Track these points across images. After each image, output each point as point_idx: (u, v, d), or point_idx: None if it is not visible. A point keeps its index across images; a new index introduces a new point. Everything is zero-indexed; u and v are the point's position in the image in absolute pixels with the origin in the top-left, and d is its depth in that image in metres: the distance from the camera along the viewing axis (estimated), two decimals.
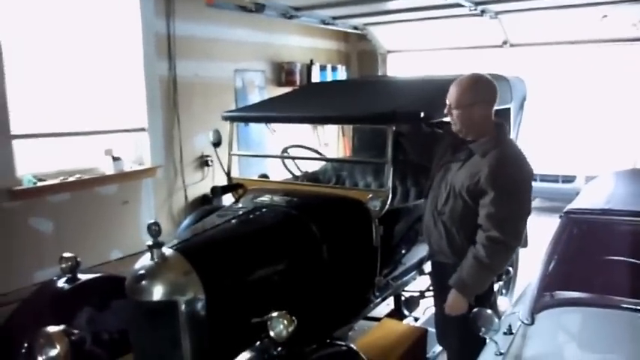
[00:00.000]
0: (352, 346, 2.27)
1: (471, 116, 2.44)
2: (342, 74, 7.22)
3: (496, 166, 2.38)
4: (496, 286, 3.83)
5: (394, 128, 2.75)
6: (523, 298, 2.56)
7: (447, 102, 2.48)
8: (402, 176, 3.90)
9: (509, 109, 3.90)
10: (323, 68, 6.87)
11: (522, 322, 2.25)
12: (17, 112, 3.67)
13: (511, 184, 2.38)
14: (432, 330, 3.00)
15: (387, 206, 2.79)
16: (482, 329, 2.01)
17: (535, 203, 8.04)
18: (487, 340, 2.11)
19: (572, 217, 2.80)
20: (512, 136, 4.06)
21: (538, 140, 6.64)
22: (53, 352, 2.37)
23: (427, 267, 3.55)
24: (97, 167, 4.26)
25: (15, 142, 3.64)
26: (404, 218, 3.26)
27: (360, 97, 3.50)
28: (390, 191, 2.84)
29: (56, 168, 3.98)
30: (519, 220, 2.42)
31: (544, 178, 7.20)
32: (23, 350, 2.58)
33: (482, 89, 2.46)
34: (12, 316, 2.71)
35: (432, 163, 2.75)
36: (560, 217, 2.84)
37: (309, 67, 6.68)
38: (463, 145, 2.55)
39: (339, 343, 2.24)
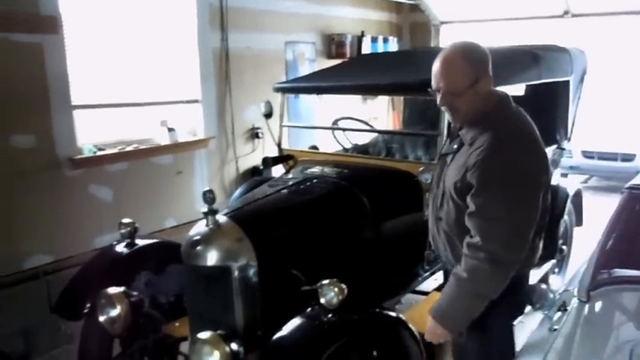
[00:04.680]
0: (401, 316, 2.28)
1: (476, 96, 1.90)
2: (393, 46, 7.09)
3: (485, 150, 1.82)
4: (549, 265, 3.74)
5: None
6: (579, 276, 2.49)
7: (441, 89, 1.92)
8: None
9: (568, 82, 3.75)
10: (374, 40, 6.76)
11: (578, 299, 2.19)
12: (77, 84, 3.79)
13: (503, 174, 1.79)
14: None
15: None
16: (537, 305, 1.98)
17: (592, 182, 7.75)
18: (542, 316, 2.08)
19: (635, 192, 2.68)
20: (570, 111, 3.91)
21: (597, 116, 6.37)
22: (114, 312, 2.49)
23: None
24: (153, 138, 4.38)
25: (75, 113, 3.77)
26: None
27: (411, 68, 3.44)
28: None
29: (115, 138, 4.12)
30: (514, 225, 1.78)
31: (602, 156, 6.95)
32: (86, 310, 2.73)
33: (480, 59, 1.91)
34: (75, 279, 2.86)
35: None
36: (622, 192, 2.73)
37: (359, 39, 6.59)
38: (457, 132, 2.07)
39: (389, 313, 2.26)
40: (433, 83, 1.94)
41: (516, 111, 1.98)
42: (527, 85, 4.34)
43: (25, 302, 3.36)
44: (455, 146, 2.03)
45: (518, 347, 2.10)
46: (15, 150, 3.38)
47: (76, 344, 2.81)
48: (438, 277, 3.85)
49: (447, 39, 7.50)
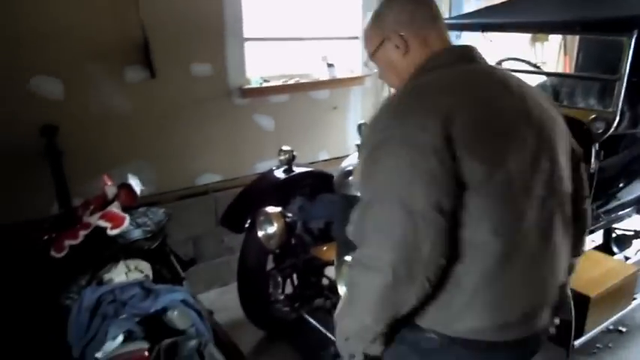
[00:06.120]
0: None
1: (390, 62, 1.47)
2: None
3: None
4: None
5: (635, 38, 2.39)
6: None
7: None
8: (633, 100, 3.43)
9: None
10: None
11: None
12: (248, 17, 4.01)
13: (371, 149, 1.26)
14: None
15: (611, 130, 2.52)
16: None
17: None
18: None
19: None
20: None
21: None
22: (271, 230, 2.73)
23: None
24: (313, 73, 4.53)
25: (246, 45, 4.02)
26: (628, 147, 2.93)
27: (592, 5, 3.10)
28: (618, 114, 2.55)
29: (278, 71, 4.35)
30: (378, 216, 1.21)
31: None
32: (247, 225, 3.03)
33: (392, 12, 1.45)
34: (239, 197, 3.16)
35: None
36: None
37: None
38: None
39: None
40: None
41: (443, 67, 1.37)
42: None
43: (196, 214, 3.80)
44: None
45: None
46: (195, 78, 3.73)
47: (236, 255, 3.16)
48: (594, 239, 3.60)
49: None
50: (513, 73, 1.42)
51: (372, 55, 1.50)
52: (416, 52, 1.41)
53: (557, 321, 1.60)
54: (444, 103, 1.21)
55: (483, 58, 1.42)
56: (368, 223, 1.23)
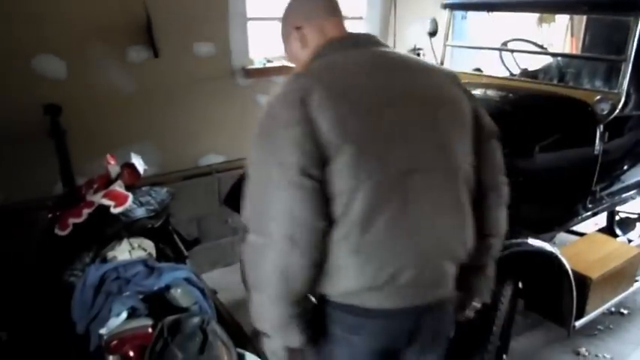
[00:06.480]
0: (554, 249, 2.20)
1: (294, 54, 1.60)
2: None
3: None
4: None
5: None
6: None
7: None
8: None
9: None
10: None
11: None
12: None
13: (255, 132, 1.38)
14: None
15: (616, 111, 2.50)
16: None
17: None
18: None
19: None
20: None
21: None
22: None
23: None
24: None
25: (250, 25, 3.98)
26: (634, 129, 2.91)
27: None
28: (624, 95, 2.53)
29: (282, 52, 4.30)
30: (257, 189, 1.34)
31: None
32: None
33: (289, 7, 1.60)
34: (242, 177, 3.17)
35: None
36: None
37: None
38: None
39: (542, 244, 2.18)
40: None
41: (329, 56, 1.43)
42: None
43: (200, 194, 3.80)
44: None
45: None
46: (198, 58, 3.71)
47: (239, 236, 3.17)
48: (597, 222, 3.60)
49: None
50: (411, 57, 1.47)
51: (285, 50, 1.63)
52: (313, 43, 1.49)
53: (477, 305, 1.61)
54: (307, 83, 1.30)
55: (379, 44, 1.46)
56: (252, 203, 1.34)
